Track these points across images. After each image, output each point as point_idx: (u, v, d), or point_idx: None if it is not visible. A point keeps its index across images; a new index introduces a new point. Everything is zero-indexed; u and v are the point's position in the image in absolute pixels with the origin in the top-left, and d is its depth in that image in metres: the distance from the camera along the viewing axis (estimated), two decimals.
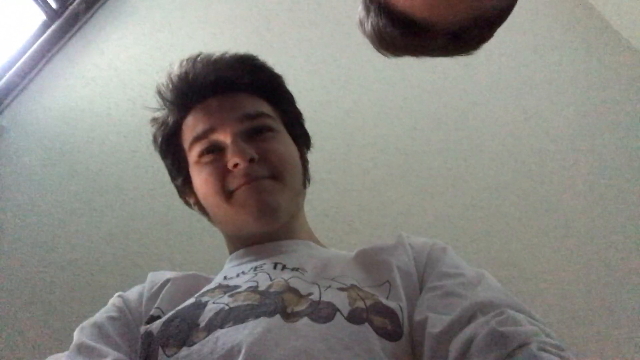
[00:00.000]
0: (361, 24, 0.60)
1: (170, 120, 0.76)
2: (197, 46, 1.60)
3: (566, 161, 1.43)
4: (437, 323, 0.51)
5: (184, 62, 0.76)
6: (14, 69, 1.51)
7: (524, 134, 1.47)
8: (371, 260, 0.64)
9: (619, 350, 1.19)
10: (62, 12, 1.60)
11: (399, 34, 0.53)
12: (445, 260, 0.62)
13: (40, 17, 1.58)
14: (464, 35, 0.53)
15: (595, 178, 1.41)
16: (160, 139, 0.78)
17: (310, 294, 0.57)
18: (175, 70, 0.76)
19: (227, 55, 0.77)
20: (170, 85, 0.76)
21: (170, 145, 0.77)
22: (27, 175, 1.43)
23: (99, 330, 0.58)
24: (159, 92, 0.77)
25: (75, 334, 0.58)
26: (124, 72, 1.58)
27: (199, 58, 0.76)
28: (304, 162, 0.80)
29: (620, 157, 1.44)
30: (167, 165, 0.80)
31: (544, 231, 1.34)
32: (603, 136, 1.47)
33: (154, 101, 1.50)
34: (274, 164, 0.69)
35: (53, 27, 1.57)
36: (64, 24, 1.59)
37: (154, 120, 0.79)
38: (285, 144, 0.74)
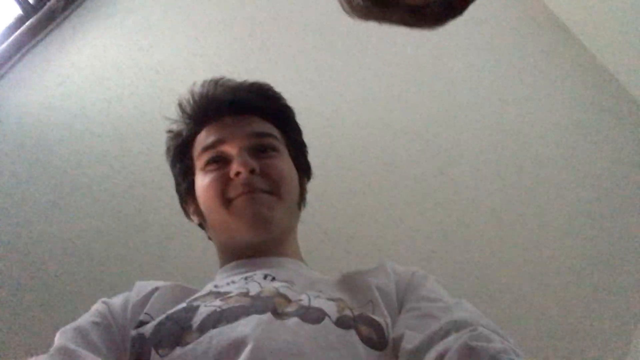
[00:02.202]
0: None
1: (185, 132, 0.83)
2: (178, 49, 1.61)
3: (552, 174, 1.46)
4: (412, 339, 0.53)
5: (207, 83, 0.83)
6: None
7: (514, 147, 1.49)
8: (354, 283, 0.68)
9: None
10: (39, 8, 1.56)
11: (363, 1, 0.55)
12: (426, 286, 0.65)
13: (16, 11, 1.54)
14: (424, 11, 0.56)
15: (580, 191, 1.44)
16: (172, 148, 0.85)
17: (300, 299, 0.60)
18: (198, 88, 0.83)
19: (247, 82, 0.85)
20: (191, 101, 0.83)
21: (180, 154, 0.83)
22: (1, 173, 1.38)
23: (81, 334, 0.58)
24: (180, 106, 0.84)
25: (57, 337, 0.58)
26: (101, 72, 1.55)
27: (220, 81, 0.83)
28: (302, 190, 0.85)
29: (607, 173, 1.47)
30: (174, 173, 0.86)
31: (537, 250, 1.35)
32: (587, 150, 1.50)
33: (131, 102, 1.50)
34: (273, 179, 0.75)
35: (29, 22, 1.54)
36: (41, 20, 1.56)
37: (170, 131, 0.86)
38: (286, 165, 0.80)
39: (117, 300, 0.67)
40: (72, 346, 0.55)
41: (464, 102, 1.57)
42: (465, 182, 1.44)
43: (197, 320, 0.57)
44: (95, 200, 1.38)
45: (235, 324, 0.54)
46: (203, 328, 0.56)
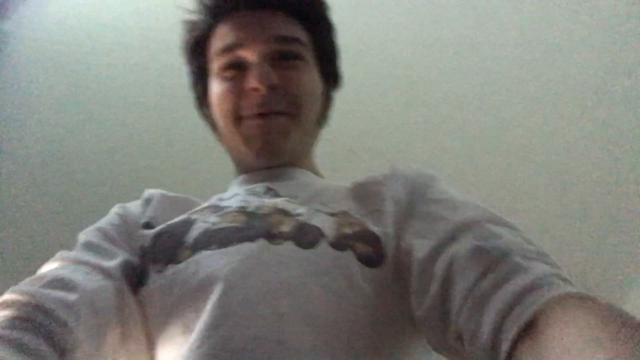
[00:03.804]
0: None
1: (201, 25, 0.73)
2: None
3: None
4: (421, 248, 0.52)
5: None
6: None
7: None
8: (364, 192, 0.65)
9: None
10: None
11: None
12: (434, 187, 0.62)
13: None
14: None
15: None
16: (187, 43, 0.76)
17: (299, 215, 0.58)
18: None
19: None
20: None
21: (196, 50, 0.75)
22: (30, 82, 1.42)
23: (104, 234, 0.61)
24: None
25: (80, 236, 0.60)
26: None
27: None
28: (327, 102, 0.77)
29: None
30: (189, 71, 0.78)
31: (545, 169, 1.33)
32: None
33: (161, 12, 1.45)
34: (293, 96, 0.67)
35: None
36: None
37: (185, 22, 0.75)
38: (310, 77, 0.71)
39: (132, 205, 0.69)
40: (98, 241, 0.58)
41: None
42: (494, 100, 1.39)
43: (190, 236, 0.56)
44: (127, 109, 1.40)
45: (225, 250, 0.53)
46: (195, 247, 0.55)
